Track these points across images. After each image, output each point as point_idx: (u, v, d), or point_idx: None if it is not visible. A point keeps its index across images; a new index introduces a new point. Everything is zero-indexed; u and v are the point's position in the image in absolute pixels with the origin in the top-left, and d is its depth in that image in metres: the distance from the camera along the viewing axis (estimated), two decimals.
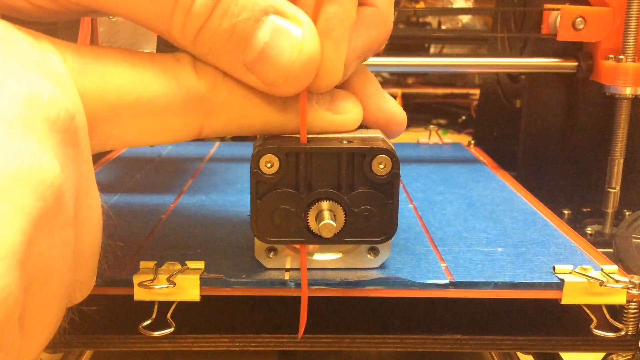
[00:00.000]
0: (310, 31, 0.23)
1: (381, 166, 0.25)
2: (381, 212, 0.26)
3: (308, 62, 0.23)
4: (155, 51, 0.34)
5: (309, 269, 0.28)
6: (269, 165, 0.25)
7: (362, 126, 0.28)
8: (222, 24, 0.22)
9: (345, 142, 0.26)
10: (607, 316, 0.29)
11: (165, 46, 0.36)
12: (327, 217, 0.25)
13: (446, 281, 0.28)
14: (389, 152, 0.25)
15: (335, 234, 0.26)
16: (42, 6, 0.22)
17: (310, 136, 0.26)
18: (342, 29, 0.24)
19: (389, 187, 0.26)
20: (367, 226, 0.26)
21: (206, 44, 0.22)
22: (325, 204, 0.26)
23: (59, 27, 0.46)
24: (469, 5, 0.96)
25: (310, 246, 0.28)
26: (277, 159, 0.25)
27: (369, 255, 0.28)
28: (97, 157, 0.50)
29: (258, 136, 0.27)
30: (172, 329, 0.27)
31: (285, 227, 0.26)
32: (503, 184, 0.44)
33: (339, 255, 0.28)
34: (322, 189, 0.26)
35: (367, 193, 0.26)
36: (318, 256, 0.28)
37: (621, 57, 0.44)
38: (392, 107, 0.27)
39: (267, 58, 0.22)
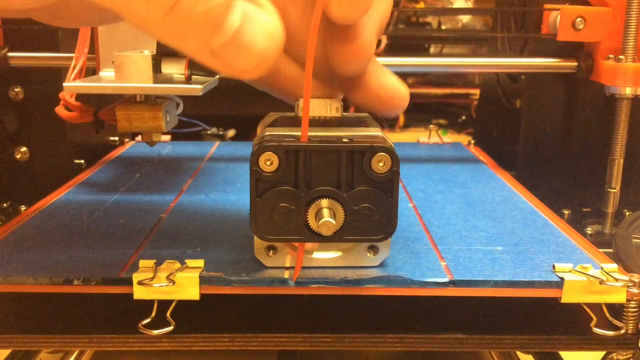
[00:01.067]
0: (276, 17, 0.23)
1: (380, 164, 0.25)
2: (381, 210, 0.26)
3: (278, 48, 0.23)
4: (155, 52, 0.35)
5: (309, 268, 0.28)
6: (268, 163, 0.25)
7: (364, 123, 0.28)
8: (197, 7, 0.21)
9: (345, 139, 0.26)
10: (607, 315, 0.28)
11: (166, 47, 0.36)
12: (326, 215, 0.25)
13: (446, 279, 0.28)
14: (389, 150, 0.25)
15: (334, 232, 0.26)
16: None
17: (311, 134, 0.26)
18: None
19: (388, 185, 0.26)
20: (366, 224, 0.26)
21: (178, 25, 0.22)
22: (324, 202, 0.26)
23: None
24: (469, 5, 0.96)
25: (310, 244, 0.28)
26: (276, 156, 0.25)
27: (368, 254, 0.28)
28: (97, 157, 0.50)
29: (258, 134, 0.27)
30: (171, 328, 0.27)
31: (284, 225, 0.26)
32: (503, 183, 0.44)
33: (339, 253, 0.28)
34: (321, 186, 0.26)
35: (366, 191, 0.26)
36: (317, 254, 0.28)
37: (621, 57, 0.44)
38: (393, 82, 0.28)
39: (239, 44, 0.22)
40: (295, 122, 0.26)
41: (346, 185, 0.26)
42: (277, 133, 0.26)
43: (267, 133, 0.26)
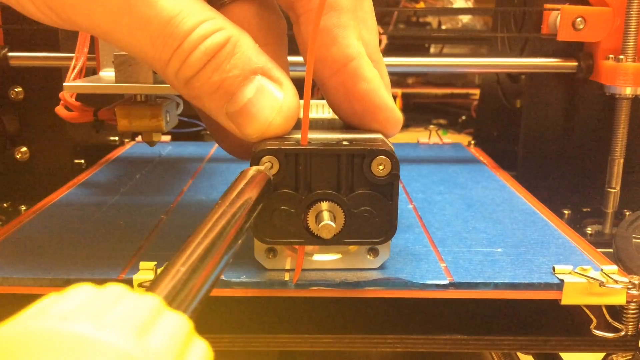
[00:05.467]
0: (291, 95, 0.25)
1: (380, 167, 0.25)
2: (381, 213, 0.26)
3: (285, 122, 0.25)
4: None
5: (309, 270, 0.28)
6: (269, 164, 0.25)
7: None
8: (212, 77, 0.24)
9: (345, 143, 0.26)
10: (607, 316, 0.29)
11: None
12: (326, 218, 0.25)
13: (446, 282, 0.28)
14: (388, 153, 0.25)
15: (334, 235, 0.26)
16: (50, 18, 0.24)
17: (311, 137, 0.26)
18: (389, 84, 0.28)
19: (388, 188, 0.26)
20: (366, 227, 0.26)
21: (195, 90, 0.25)
22: (324, 205, 0.26)
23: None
24: (469, 5, 0.96)
25: (310, 247, 0.28)
26: (276, 160, 0.25)
27: (368, 256, 0.28)
28: (97, 157, 0.50)
29: None
30: None
31: (284, 228, 0.26)
32: (503, 184, 0.44)
33: (339, 256, 0.28)
34: (321, 189, 0.26)
35: (366, 194, 0.26)
36: (318, 257, 0.28)
37: (621, 57, 0.44)
38: (389, 101, 0.28)
39: (248, 113, 0.25)
40: (296, 125, 0.26)
41: (346, 188, 0.26)
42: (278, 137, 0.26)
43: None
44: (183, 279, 0.16)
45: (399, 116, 0.28)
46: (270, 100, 0.25)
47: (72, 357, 0.11)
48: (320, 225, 0.25)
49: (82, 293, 0.13)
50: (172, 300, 0.15)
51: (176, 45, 0.24)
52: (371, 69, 0.27)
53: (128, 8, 0.23)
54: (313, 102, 0.32)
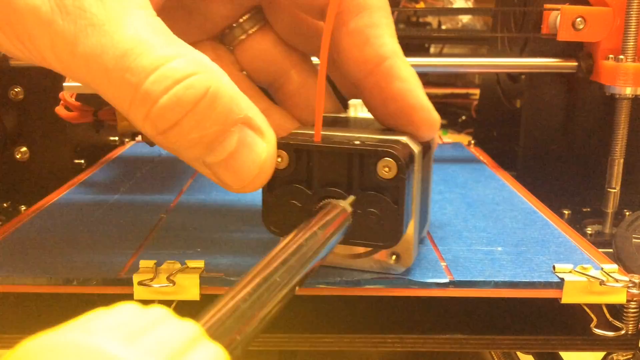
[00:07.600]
0: (273, 144, 0.24)
1: (386, 169, 0.25)
2: (386, 217, 0.25)
3: (267, 172, 0.24)
4: None
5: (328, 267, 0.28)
6: (279, 159, 0.25)
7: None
8: (191, 133, 0.21)
9: (356, 142, 0.25)
10: (607, 315, 0.29)
11: None
12: None
13: (446, 280, 0.28)
14: (394, 156, 0.24)
15: None
16: (20, 50, 0.22)
17: (327, 134, 0.26)
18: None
19: (394, 192, 0.25)
20: (372, 229, 0.26)
21: (172, 144, 0.22)
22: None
23: None
24: (469, 5, 0.96)
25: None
26: (286, 154, 0.25)
27: (390, 260, 0.28)
28: (97, 157, 0.50)
29: None
30: None
31: (293, 221, 0.26)
32: (503, 183, 0.44)
33: (360, 255, 0.28)
34: (331, 187, 0.26)
35: (373, 196, 0.25)
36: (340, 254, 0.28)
37: (621, 57, 0.44)
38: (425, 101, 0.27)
39: (229, 166, 0.23)
40: (333, 123, 0.26)
41: (356, 188, 0.25)
42: (298, 132, 0.27)
43: (291, 131, 0.27)
44: (230, 311, 0.15)
45: (435, 117, 0.27)
46: (252, 152, 0.23)
47: None
48: None
49: (125, 311, 0.13)
50: (215, 331, 0.14)
51: (136, 83, 0.20)
52: (407, 67, 0.26)
53: (84, 36, 0.20)
54: (358, 101, 0.32)
